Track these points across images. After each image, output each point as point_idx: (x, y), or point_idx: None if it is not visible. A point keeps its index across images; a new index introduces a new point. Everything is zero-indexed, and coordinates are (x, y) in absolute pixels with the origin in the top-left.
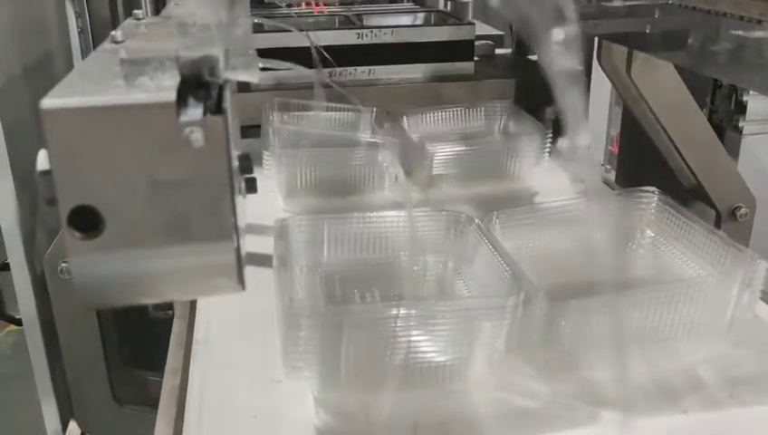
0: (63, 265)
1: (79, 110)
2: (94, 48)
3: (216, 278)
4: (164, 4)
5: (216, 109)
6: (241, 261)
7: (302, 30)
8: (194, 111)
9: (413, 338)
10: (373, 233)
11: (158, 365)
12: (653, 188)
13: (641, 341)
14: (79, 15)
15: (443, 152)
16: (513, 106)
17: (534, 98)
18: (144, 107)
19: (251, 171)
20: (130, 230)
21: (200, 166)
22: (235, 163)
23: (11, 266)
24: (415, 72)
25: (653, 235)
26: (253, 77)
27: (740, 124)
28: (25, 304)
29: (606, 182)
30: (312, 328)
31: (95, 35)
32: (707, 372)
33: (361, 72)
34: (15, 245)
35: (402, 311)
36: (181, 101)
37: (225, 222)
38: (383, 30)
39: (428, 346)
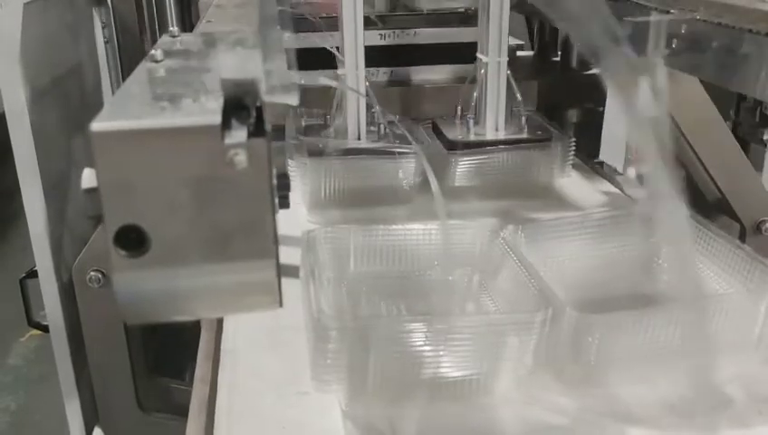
0: (93, 273)
1: (127, 132)
2: (120, 60)
3: (257, 295)
4: (189, 15)
5: (259, 131)
6: (280, 278)
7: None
8: (238, 134)
9: (440, 352)
10: (399, 245)
11: (182, 373)
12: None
13: (668, 357)
14: (105, 26)
15: (466, 162)
16: (536, 113)
17: (557, 100)
18: (190, 129)
19: (288, 189)
20: (174, 249)
21: (243, 186)
22: (274, 181)
23: (39, 274)
24: (437, 73)
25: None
26: (293, 100)
27: (765, 137)
28: (53, 310)
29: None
30: (340, 341)
31: (122, 47)
32: (736, 389)
33: (383, 74)
34: (44, 252)
35: (430, 325)
36: (225, 122)
37: (267, 241)
38: (406, 31)
39: (456, 361)
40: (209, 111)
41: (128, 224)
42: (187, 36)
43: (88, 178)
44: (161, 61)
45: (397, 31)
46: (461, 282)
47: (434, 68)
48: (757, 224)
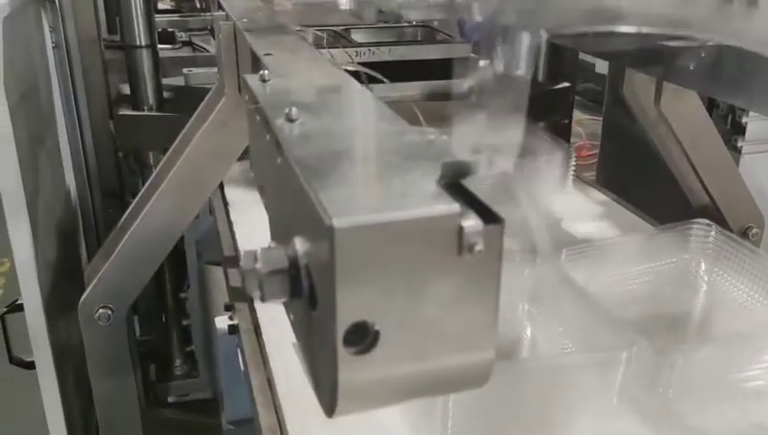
0: (101, 311)
1: (369, 226)
2: (71, 66)
3: (471, 374)
4: (148, 21)
5: (492, 217)
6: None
7: None
8: (474, 221)
9: (525, 393)
10: None
11: (189, 405)
12: (705, 221)
13: (737, 386)
14: (53, 30)
15: None
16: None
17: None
18: (430, 219)
19: None
20: (403, 342)
21: (474, 272)
22: None
23: (25, 308)
24: (410, 90)
25: (710, 267)
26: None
27: (738, 144)
28: (40, 345)
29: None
30: None
31: (73, 52)
32: None
33: None
34: (30, 283)
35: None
36: None
37: (491, 323)
38: (381, 48)
39: (540, 400)
40: (440, 196)
41: (358, 321)
42: (277, 81)
43: (267, 259)
44: (296, 120)
45: (373, 48)
46: (512, 312)
47: (407, 85)
48: (744, 229)
